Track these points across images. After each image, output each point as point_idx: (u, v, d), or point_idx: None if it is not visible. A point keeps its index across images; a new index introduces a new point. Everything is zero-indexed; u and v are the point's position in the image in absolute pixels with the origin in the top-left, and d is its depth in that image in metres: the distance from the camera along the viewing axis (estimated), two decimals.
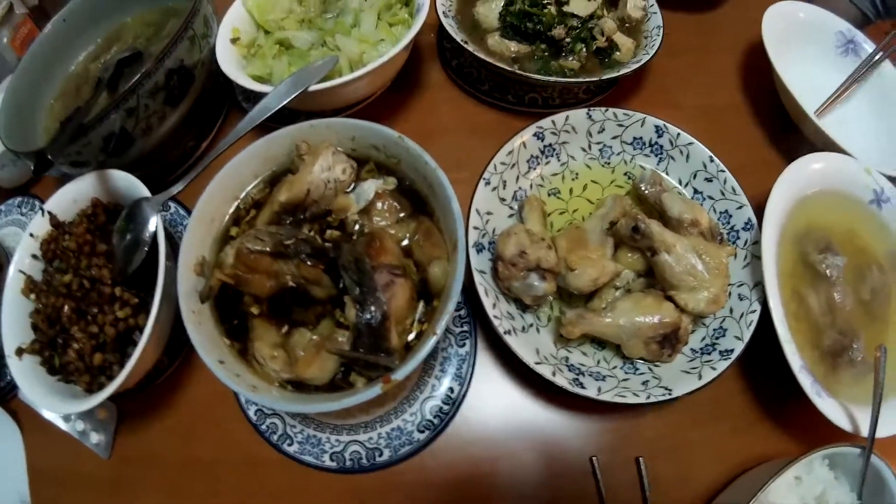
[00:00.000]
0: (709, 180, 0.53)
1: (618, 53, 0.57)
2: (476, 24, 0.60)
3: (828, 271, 0.53)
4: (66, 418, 0.62)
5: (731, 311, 0.51)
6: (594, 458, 0.50)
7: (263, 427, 0.52)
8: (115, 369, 0.54)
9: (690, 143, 0.53)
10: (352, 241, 0.46)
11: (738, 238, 0.52)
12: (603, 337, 0.48)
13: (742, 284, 0.51)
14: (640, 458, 0.50)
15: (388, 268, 0.42)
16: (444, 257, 0.44)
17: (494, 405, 0.51)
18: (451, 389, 0.50)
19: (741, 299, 0.51)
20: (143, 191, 0.54)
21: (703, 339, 0.50)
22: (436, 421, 0.49)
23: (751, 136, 0.60)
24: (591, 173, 0.54)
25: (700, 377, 0.47)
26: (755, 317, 0.49)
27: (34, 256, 0.61)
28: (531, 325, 0.49)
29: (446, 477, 0.49)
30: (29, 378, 0.54)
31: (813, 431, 0.52)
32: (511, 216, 0.52)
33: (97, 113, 0.52)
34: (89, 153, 0.56)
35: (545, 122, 0.52)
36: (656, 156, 0.54)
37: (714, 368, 0.48)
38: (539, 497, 0.49)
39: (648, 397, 0.46)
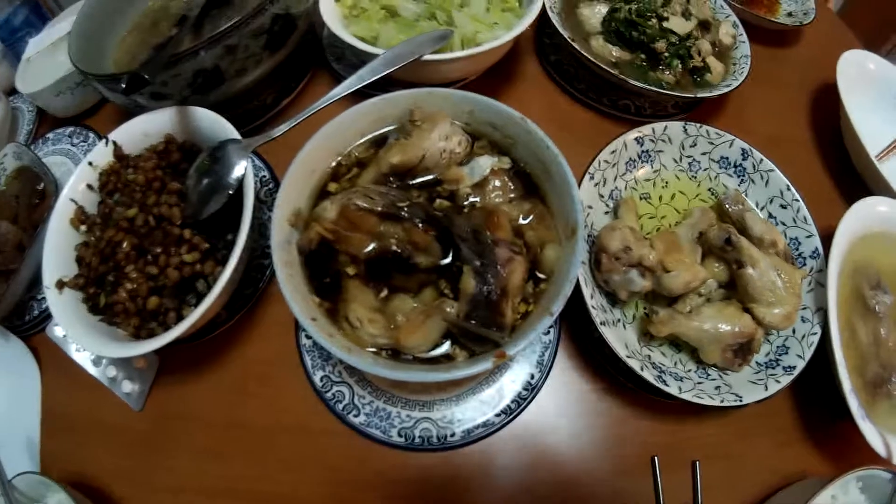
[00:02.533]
0: (783, 207, 0.54)
1: (709, 75, 0.58)
2: (579, 24, 0.60)
3: (877, 307, 0.55)
4: (96, 363, 0.57)
5: (793, 331, 0.52)
6: (656, 458, 0.50)
7: (329, 395, 0.48)
8: (170, 316, 0.49)
9: (771, 170, 0.54)
10: (463, 213, 0.44)
11: (805, 265, 0.54)
12: (685, 339, 0.48)
13: (805, 308, 0.53)
14: (697, 462, 0.50)
15: (508, 243, 0.40)
16: (556, 242, 0.43)
17: (567, 397, 0.50)
18: (532, 376, 0.48)
19: (803, 321, 0.52)
20: (232, 132, 0.50)
21: (768, 354, 0.51)
22: (513, 406, 0.47)
23: (813, 172, 0.62)
24: (679, 184, 0.54)
25: (766, 388, 0.48)
26: (816, 339, 0.51)
27: (89, 186, 0.55)
28: (619, 321, 0.48)
29: (515, 463, 0.47)
30: (68, 314, 0.49)
31: (847, 454, 0.54)
32: (606, 213, 0.51)
33: (196, 43, 0.48)
34: (175, 86, 0.51)
35: (646, 129, 0.52)
36: (738, 177, 0.55)
37: (778, 381, 0.49)
38: (600, 494, 0.48)
39: (722, 401, 0.46)
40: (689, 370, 0.49)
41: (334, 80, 0.65)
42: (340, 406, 0.47)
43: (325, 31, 0.68)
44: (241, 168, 0.47)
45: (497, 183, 0.45)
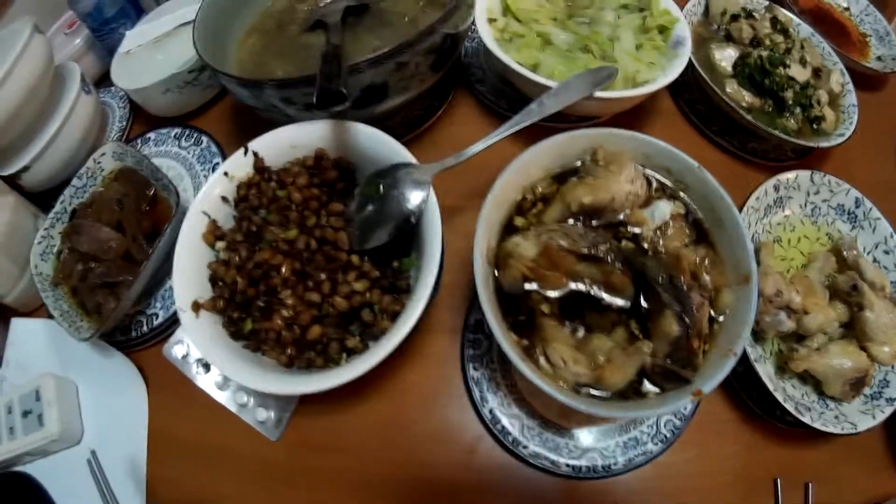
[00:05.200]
0: (886, 253, 0.68)
1: (824, 123, 0.71)
2: (712, 66, 0.71)
3: None
4: (222, 386, 0.61)
5: (893, 367, 0.66)
6: (778, 480, 0.62)
7: (498, 428, 0.55)
8: (332, 346, 0.53)
9: (878, 219, 0.68)
10: (649, 256, 0.53)
11: None
12: (814, 374, 0.60)
13: None
14: (810, 484, 0.64)
15: (700, 289, 0.50)
16: (727, 286, 0.53)
17: (707, 426, 0.61)
18: (685, 406, 0.59)
19: None
20: (406, 155, 0.54)
21: (872, 386, 0.65)
22: (669, 435, 0.57)
23: None
24: (803, 228, 0.66)
25: (874, 417, 0.62)
26: None
27: (224, 199, 0.58)
28: (760, 357, 0.60)
29: (667, 488, 0.58)
30: (208, 340, 0.51)
31: None
32: None
33: (373, 57, 0.51)
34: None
35: (782, 177, 0.63)
36: (850, 223, 0.68)
37: (883, 412, 0.63)
38: None
39: (843, 429, 0.59)
40: (813, 401, 0.62)
41: (475, 102, 0.71)
42: (510, 439, 0.55)
43: (463, 51, 0.73)
44: (420, 196, 0.53)
45: (674, 227, 0.54)
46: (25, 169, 0.69)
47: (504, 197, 0.52)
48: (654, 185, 0.56)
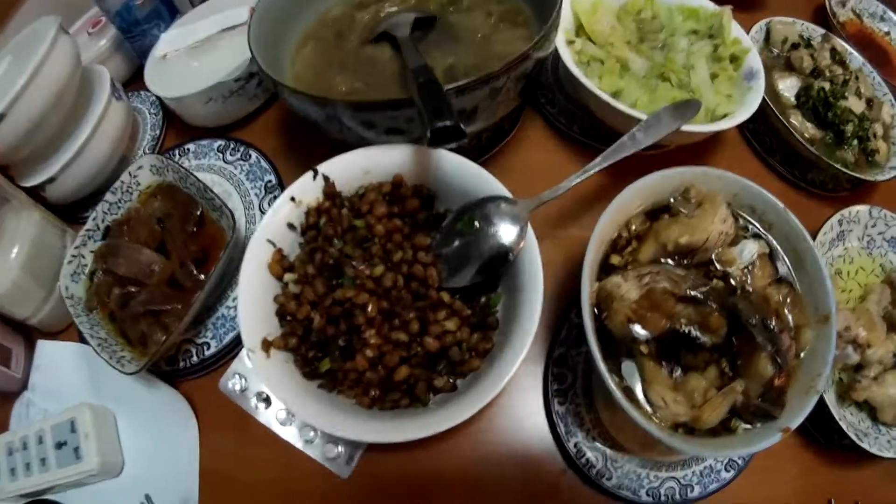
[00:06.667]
0: None
1: (878, 155, 0.78)
2: (776, 95, 0.76)
3: None
4: (285, 422, 0.61)
5: None
6: (832, 501, 0.70)
7: (583, 461, 0.59)
8: (419, 386, 0.54)
9: None
10: (740, 296, 0.57)
11: None
12: (871, 402, 0.67)
13: None
14: (857, 502, 0.72)
15: (787, 330, 0.55)
16: (807, 325, 0.59)
17: (770, 451, 0.67)
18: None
19: None
20: (500, 189, 0.56)
21: None
22: (740, 462, 0.63)
23: None
24: (860, 261, 0.73)
25: None
26: None
27: (290, 226, 0.57)
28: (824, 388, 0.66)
29: None
30: (284, 382, 0.51)
31: None
32: None
33: (469, 82, 0.51)
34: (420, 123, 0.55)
35: (845, 212, 0.70)
36: None
37: None
38: None
39: (894, 452, 0.67)
40: (868, 427, 0.69)
41: (544, 124, 0.73)
42: (594, 471, 0.59)
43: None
44: (517, 233, 0.55)
45: (760, 266, 0.59)
46: (51, 180, 0.67)
47: (605, 235, 0.55)
48: (741, 223, 0.60)
